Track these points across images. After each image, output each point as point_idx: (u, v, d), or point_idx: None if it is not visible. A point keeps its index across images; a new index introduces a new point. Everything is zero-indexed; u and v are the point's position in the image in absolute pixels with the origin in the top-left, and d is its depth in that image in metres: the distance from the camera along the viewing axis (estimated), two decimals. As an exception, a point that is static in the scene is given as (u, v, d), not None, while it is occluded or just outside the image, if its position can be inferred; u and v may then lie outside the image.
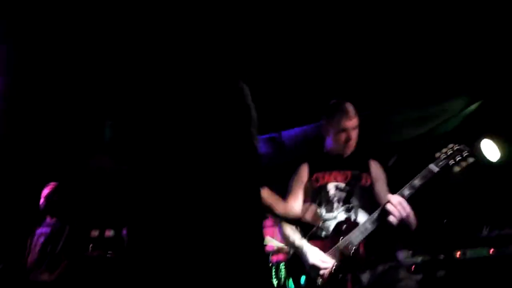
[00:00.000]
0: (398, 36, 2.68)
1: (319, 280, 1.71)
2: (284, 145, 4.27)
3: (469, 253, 2.81)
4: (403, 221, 1.68)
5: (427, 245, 3.17)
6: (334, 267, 1.72)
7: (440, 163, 1.76)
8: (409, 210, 1.69)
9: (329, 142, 2.05)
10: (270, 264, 4.05)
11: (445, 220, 3.12)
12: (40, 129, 3.39)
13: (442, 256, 3.02)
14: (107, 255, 4.09)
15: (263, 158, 4.69)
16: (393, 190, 1.86)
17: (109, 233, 4.32)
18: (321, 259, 1.73)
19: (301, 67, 2.70)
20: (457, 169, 1.75)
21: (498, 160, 3.27)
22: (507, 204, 3.05)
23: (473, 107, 3.40)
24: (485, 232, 2.88)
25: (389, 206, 1.69)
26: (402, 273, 1.77)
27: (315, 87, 2.87)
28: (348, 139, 1.95)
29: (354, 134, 1.96)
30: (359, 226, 1.79)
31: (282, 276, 3.95)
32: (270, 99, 2.85)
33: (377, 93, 3.07)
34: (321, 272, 1.70)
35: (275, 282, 4.00)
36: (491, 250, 2.72)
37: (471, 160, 1.77)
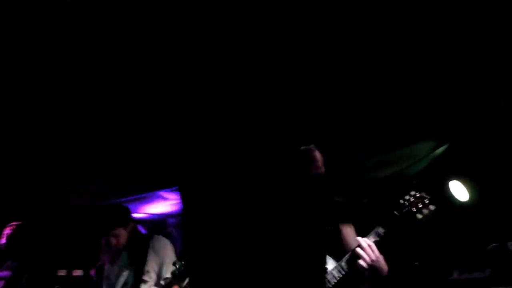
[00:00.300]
0: (365, 79, 2.74)
1: None
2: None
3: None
4: (373, 266, 1.64)
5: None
6: None
7: (403, 210, 1.76)
8: (378, 255, 1.66)
9: None
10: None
11: (416, 263, 3.10)
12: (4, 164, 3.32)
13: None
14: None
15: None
16: (369, 228, 1.83)
17: (78, 273, 4.17)
18: None
19: (265, 108, 2.72)
20: (419, 216, 1.76)
21: (466, 202, 3.31)
22: (477, 246, 3.07)
23: (440, 150, 3.47)
24: (455, 275, 2.87)
25: (358, 250, 1.66)
26: None
27: (282, 128, 2.88)
28: None
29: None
30: (326, 274, 1.71)
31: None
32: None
33: (344, 137, 3.11)
34: None
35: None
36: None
37: (432, 207, 1.78)
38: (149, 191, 4.13)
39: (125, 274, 2.29)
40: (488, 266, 2.82)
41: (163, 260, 2.24)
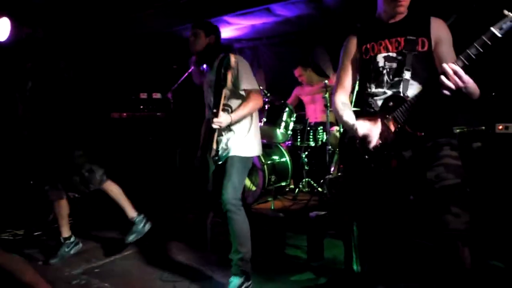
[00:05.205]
0: None
1: (366, 155, 1.69)
2: (326, 4, 3.91)
3: (512, 127, 2.73)
4: (460, 92, 1.47)
5: (466, 117, 3.05)
6: (379, 143, 1.66)
7: (505, 25, 1.40)
8: (467, 79, 1.45)
9: (380, 4, 1.72)
10: (309, 127, 4.20)
11: (493, 93, 2.97)
12: None
13: (480, 128, 2.95)
14: (157, 115, 4.52)
15: (304, 19, 4.36)
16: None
17: (157, 95, 4.61)
18: (367, 133, 1.66)
19: None
20: None
21: None
22: None
23: None
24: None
25: (442, 78, 1.46)
26: (446, 150, 1.61)
27: None
28: None
29: None
30: (407, 100, 1.62)
31: (320, 139, 4.16)
32: None
33: None
34: (368, 145, 1.66)
35: (312, 143, 4.23)
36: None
37: None
38: (213, 16, 4.02)
39: (211, 75, 2.32)
40: None
41: (240, 73, 2.20)
